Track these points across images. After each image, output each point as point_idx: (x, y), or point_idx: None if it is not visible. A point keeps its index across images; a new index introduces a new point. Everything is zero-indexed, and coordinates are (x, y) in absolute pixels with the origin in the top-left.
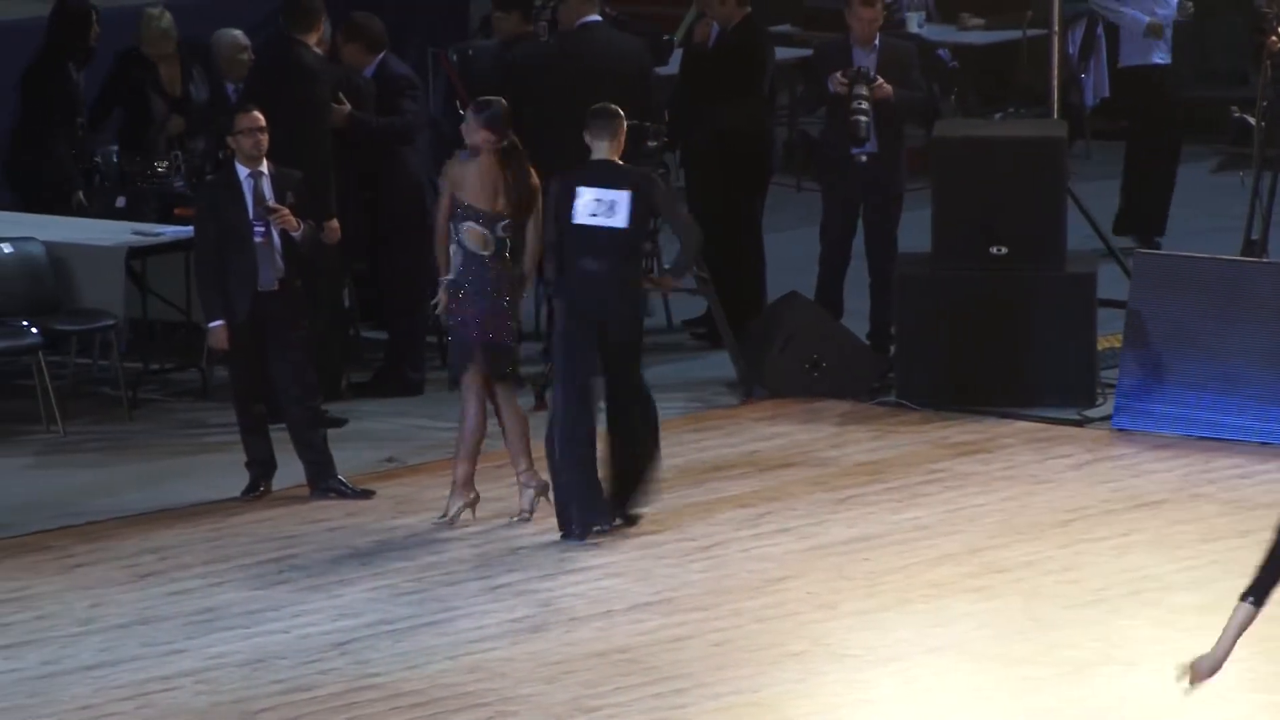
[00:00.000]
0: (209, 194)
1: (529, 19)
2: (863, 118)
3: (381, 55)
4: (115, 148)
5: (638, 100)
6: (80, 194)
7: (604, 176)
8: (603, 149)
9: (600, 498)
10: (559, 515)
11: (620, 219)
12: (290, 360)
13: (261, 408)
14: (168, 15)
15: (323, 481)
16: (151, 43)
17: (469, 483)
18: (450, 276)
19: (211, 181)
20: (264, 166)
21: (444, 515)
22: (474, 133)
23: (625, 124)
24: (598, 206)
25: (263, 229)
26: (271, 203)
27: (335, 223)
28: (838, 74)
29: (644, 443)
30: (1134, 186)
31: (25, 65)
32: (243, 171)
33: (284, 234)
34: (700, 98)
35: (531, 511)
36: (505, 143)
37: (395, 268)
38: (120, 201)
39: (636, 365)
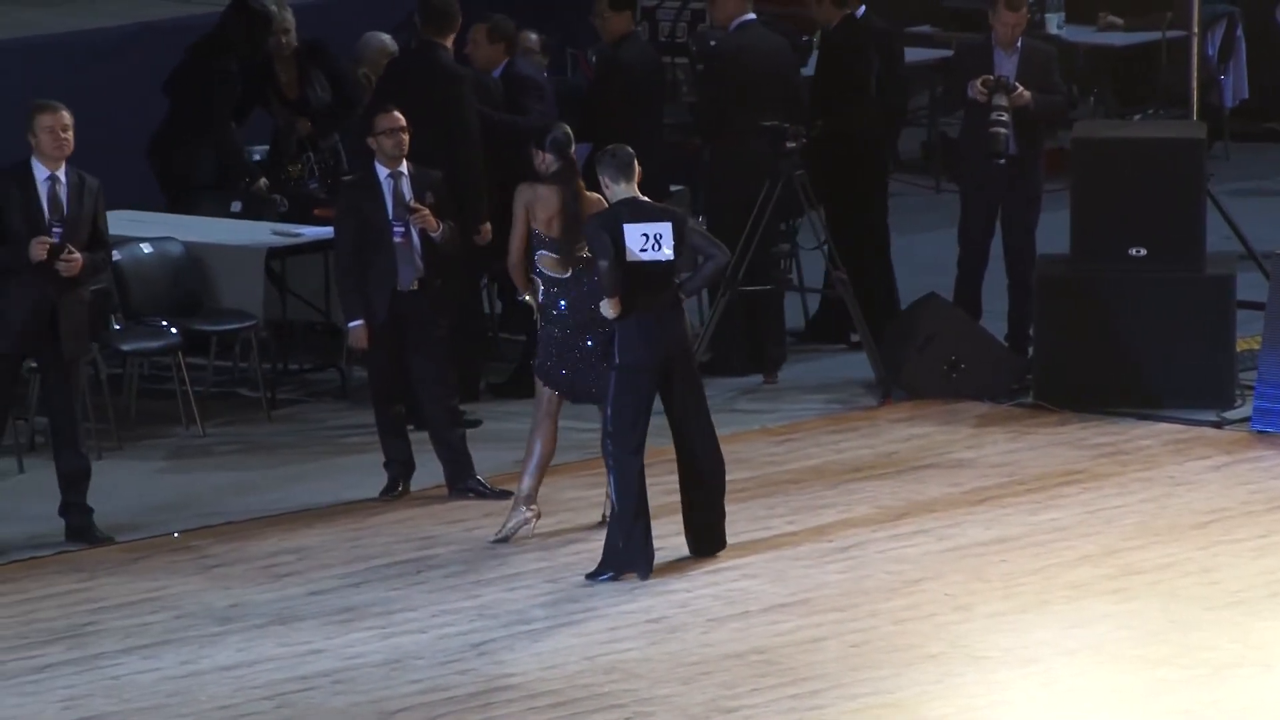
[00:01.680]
0: (349, 194)
1: (634, 18)
2: (1002, 129)
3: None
4: (258, 149)
5: (788, 100)
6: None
7: (642, 212)
8: (626, 189)
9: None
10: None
11: (668, 251)
12: (430, 360)
13: (400, 408)
14: (289, 11)
15: (461, 482)
16: (276, 35)
17: (532, 498)
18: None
19: (351, 181)
20: (404, 166)
21: (499, 532)
22: (540, 158)
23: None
24: (645, 242)
25: (402, 229)
26: (411, 202)
27: (488, 225)
28: (977, 82)
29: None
30: None
31: (176, 64)
32: (382, 172)
33: (424, 234)
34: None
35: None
36: (563, 165)
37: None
38: (235, 206)
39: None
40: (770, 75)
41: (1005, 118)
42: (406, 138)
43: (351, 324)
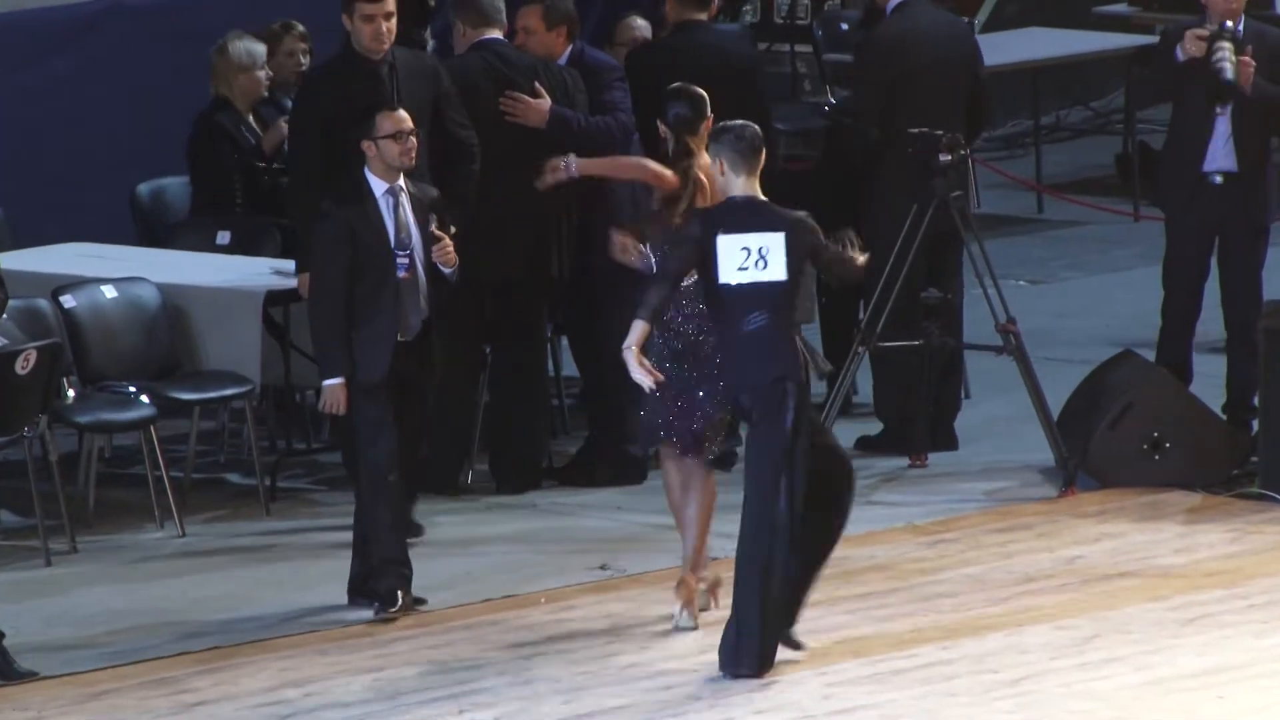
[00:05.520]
0: (337, 214)
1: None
2: (1227, 64)
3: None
4: None
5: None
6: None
7: (750, 217)
8: (745, 184)
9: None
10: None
11: (778, 271)
12: (414, 424)
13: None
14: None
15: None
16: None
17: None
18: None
19: (338, 198)
20: (402, 181)
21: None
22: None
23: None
24: (746, 258)
25: (406, 261)
26: (434, 228)
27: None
28: (1193, 31)
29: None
30: None
31: None
32: (378, 186)
33: (431, 268)
34: None
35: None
36: (677, 145)
37: (607, 310)
38: (223, 237)
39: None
40: (945, 69)
41: (1230, 55)
42: (415, 143)
43: (330, 381)
